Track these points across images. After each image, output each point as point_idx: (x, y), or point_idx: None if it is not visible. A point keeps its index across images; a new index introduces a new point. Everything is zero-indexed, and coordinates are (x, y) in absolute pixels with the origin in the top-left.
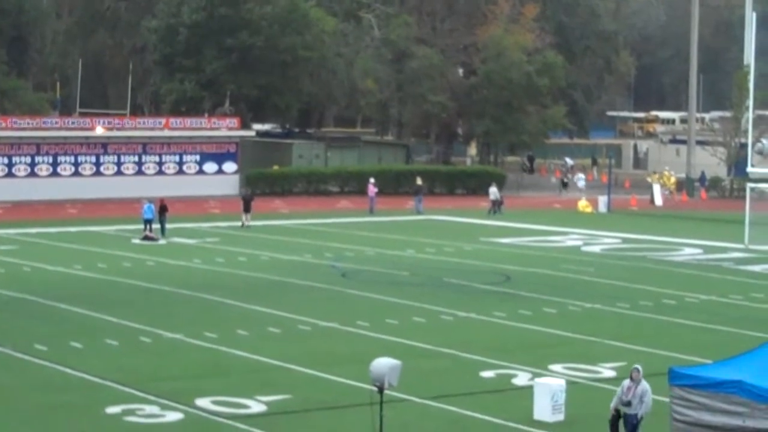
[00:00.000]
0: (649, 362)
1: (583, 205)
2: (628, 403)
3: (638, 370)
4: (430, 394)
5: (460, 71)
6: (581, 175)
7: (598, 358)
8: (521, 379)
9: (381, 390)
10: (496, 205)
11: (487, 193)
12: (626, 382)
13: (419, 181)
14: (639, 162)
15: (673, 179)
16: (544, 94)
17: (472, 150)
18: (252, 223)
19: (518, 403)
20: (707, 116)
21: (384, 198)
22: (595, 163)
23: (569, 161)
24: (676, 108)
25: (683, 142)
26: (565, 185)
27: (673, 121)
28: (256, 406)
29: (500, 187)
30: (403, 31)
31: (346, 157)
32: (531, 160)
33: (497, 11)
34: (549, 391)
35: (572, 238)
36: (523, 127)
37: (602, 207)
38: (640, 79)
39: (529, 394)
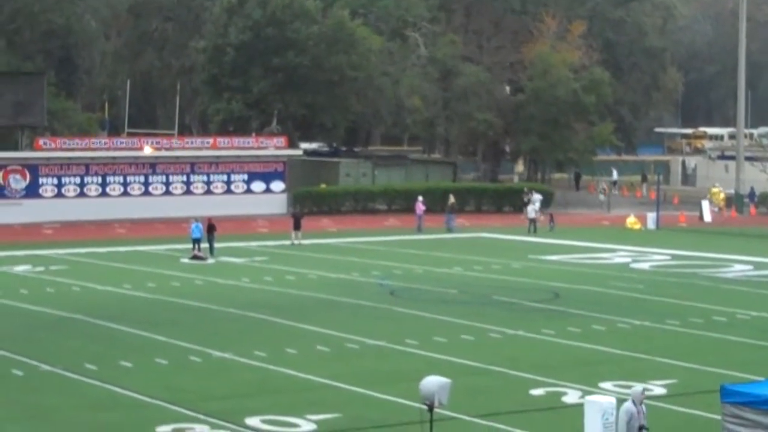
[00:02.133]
0: (701, 379)
1: (632, 222)
2: (642, 428)
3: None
4: (479, 412)
5: (507, 89)
6: (538, 196)
7: (649, 375)
8: (571, 396)
9: (431, 408)
10: (533, 222)
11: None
12: (631, 407)
13: (452, 199)
14: (687, 178)
15: (722, 195)
16: (591, 111)
17: (519, 167)
18: (302, 241)
19: (568, 421)
20: (756, 132)
21: (431, 216)
22: (644, 179)
23: (615, 174)
24: (724, 124)
25: (732, 158)
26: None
27: (721, 137)
28: (305, 425)
29: (547, 205)
30: (449, 50)
31: (393, 175)
32: (578, 177)
33: (544, 29)
34: (599, 409)
35: (621, 255)
36: (570, 144)
37: (651, 224)
38: (687, 95)
39: (579, 412)
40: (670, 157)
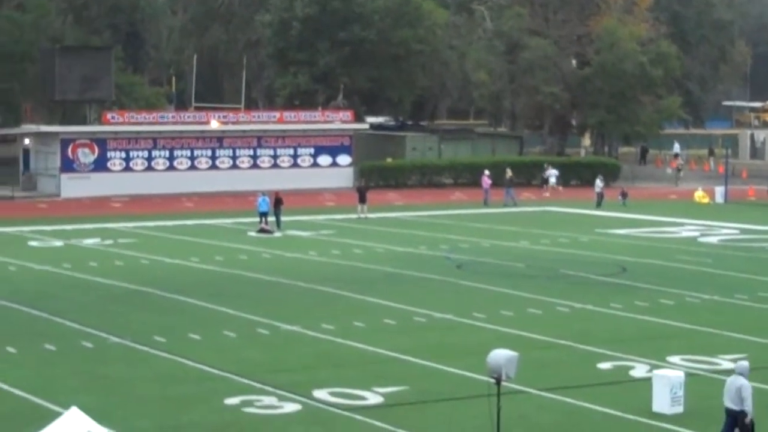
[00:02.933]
0: None
1: (700, 195)
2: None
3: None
4: (546, 385)
5: (574, 62)
6: (554, 171)
7: (717, 349)
8: (639, 370)
9: (498, 381)
10: (601, 197)
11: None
12: (745, 382)
13: (509, 173)
14: (756, 152)
15: None
16: (658, 84)
17: (586, 141)
18: (368, 215)
19: (636, 395)
20: None
21: (498, 190)
22: (711, 153)
23: (677, 148)
24: None
25: None
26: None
27: None
28: (372, 398)
29: (614, 179)
30: (515, 23)
31: (459, 149)
32: (644, 151)
33: (611, 1)
34: (668, 383)
35: (688, 229)
36: (638, 118)
37: (719, 198)
38: (756, 69)
39: (647, 386)
40: (738, 131)
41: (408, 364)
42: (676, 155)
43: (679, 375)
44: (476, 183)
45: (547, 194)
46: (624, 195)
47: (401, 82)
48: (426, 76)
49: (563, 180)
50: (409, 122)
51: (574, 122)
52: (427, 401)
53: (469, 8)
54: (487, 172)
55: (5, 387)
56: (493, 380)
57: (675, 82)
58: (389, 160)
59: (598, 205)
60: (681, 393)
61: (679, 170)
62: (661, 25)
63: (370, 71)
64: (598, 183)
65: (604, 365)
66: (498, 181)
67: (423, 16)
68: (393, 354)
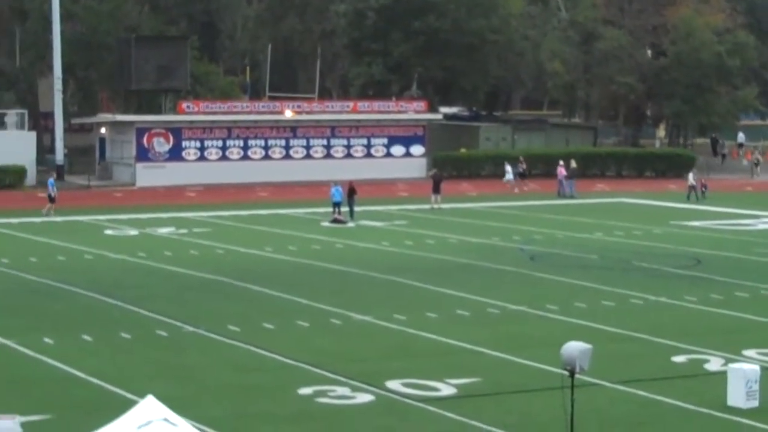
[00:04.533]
0: None
1: None
2: None
3: None
4: (620, 378)
5: (649, 52)
6: (508, 168)
7: None
8: (714, 364)
9: (572, 374)
10: (692, 189)
11: (678, 177)
12: None
13: (573, 164)
14: None
15: None
16: (734, 74)
17: (661, 132)
18: (441, 205)
19: (711, 389)
20: None
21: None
22: None
23: (742, 138)
24: None
25: None
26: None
27: None
28: (445, 389)
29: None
30: (590, 13)
31: (533, 140)
32: (714, 142)
33: None
34: (743, 377)
35: (765, 221)
36: (713, 109)
37: None
38: None
39: (722, 379)
40: None
41: (481, 355)
42: (741, 145)
43: (754, 369)
44: (550, 174)
45: (516, 190)
46: (704, 187)
47: (475, 72)
48: (500, 66)
49: (636, 171)
50: (483, 112)
51: (648, 113)
52: (500, 393)
53: None
54: (561, 162)
55: (81, 375)
56: (566, 372)
57: (752, 73)
58: (463, 150)
59: (690, 198)
60: (756, 387)
61: (756, 163)
62: (738, 15)
63: (444, 61)
64: (691, 176)
65: (679, 358)
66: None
67: (498, 5)
68: (466, 345)
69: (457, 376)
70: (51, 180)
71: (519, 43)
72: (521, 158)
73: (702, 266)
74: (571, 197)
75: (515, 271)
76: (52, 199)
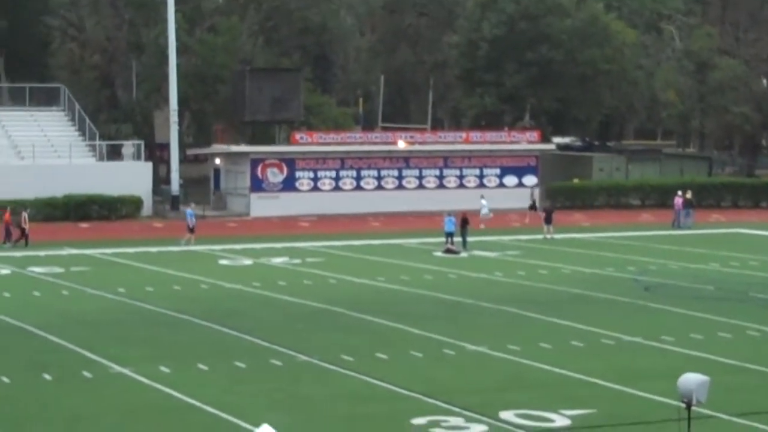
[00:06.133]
0: None
1: None
2: None
3: None
4: (737, 410)
5: (765, 82)
6: (483, 201)
7: None
8: None
9: (689, 406)
10: None
11: None
12: None
13: (689, 195)
14: None
15: None
16: None
17: None
18: (554, 235)
19: None
20: None
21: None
22: None
23: None
24: None
25: None
26: None
27: None
28: (560, 420)
29: None
30: (705, 42)
31: (647, 170)
32: None
33: None
34: None
35: None
36: None
37: None
38: None
39: None
40: None
41: (596, 386)
42: None
43: None
44: (664, 204)
45: (482, 226)
46: None
47: (588, 102)
48: (613, 96)
49: (752, 202)
50: (596, 142)
51: (764, 143)
52: (615, 425)
53: (658, 27)
54: (680, 192)
55: (197, 404)
56: (683, 405)
57: None
58: (576, 180)
59: None
60: None
61: None
62: None
63: (557, 91)
64: None
65: None
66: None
67: (611, 36)
68: (580, 376)
69: (571, 407)
70: (190, 210)
71: (632, 73)
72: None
73: None
74: (688, 228)
75: (629, 301)
76: (191, 230)
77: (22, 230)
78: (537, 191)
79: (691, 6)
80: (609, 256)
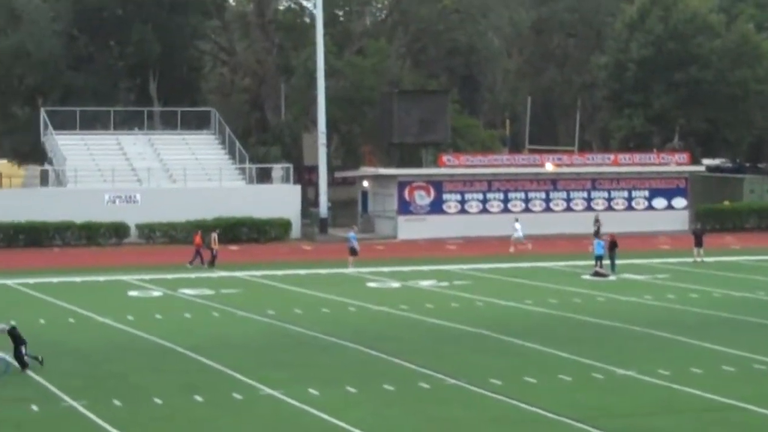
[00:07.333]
0: None
1: None
2: None
3: None
4: None
5: None
6: (517, 225)
7: None
8: None
9: None
10: None
11: None
12: None
13: None
14: None
15: None
16: None
17: None
18: (705, 258)
19: None
20: None
21: None
22: None
23: None
24: None
25: None
26: None
27: None
28: None
29: None
30: None
31: None
32: None
33: None
34: None
35: None
36: None
37: None
38: None
39: None
40: None
41: (748, 412)
42: None
43: None
44: None
45: (512, 249)
46: None
47: (739, 122)
48: (764, 116)
49: None
50: (747, 164)
51: None
52: None
53: None
54: None
55: (346, 426)
56: None
57: None
58: (726, 202)
59: None
60: None
61: None
62: None
63: (707, 112)
64: None
65: None
66: None
67: (763, 55)
68: (732, 402)
69: None
70: (352, 234)
71: None
72: None
73: None
74: None
75: None
76: (354, 252)
77: (211, 251)
78: (600, 216)
79: None
80: (760, 280)
